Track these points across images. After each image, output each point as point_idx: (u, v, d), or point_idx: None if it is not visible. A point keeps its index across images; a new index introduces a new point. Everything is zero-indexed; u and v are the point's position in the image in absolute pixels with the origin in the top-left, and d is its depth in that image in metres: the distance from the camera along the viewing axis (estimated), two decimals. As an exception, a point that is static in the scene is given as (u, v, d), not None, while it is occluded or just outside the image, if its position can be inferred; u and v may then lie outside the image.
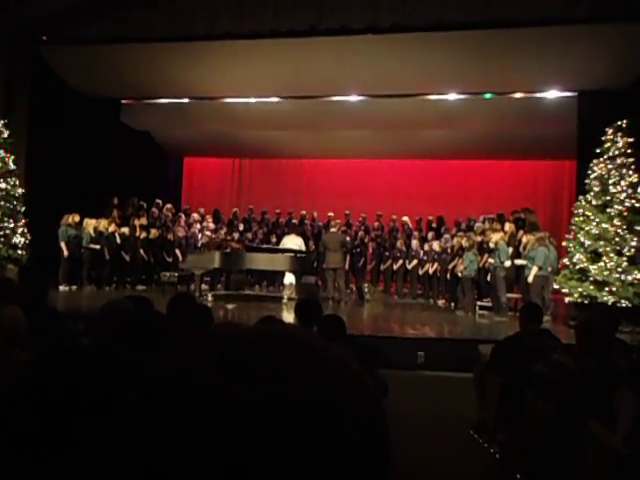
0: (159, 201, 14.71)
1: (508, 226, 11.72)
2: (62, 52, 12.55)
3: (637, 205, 9.86)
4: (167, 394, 0.46)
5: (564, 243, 10.58)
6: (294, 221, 15.12)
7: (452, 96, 13.66)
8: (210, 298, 11.71)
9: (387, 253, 14.22)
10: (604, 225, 9.81)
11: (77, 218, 12.26)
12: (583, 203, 10.34)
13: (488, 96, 13.64)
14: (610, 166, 10.13)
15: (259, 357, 0.47)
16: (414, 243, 13.65)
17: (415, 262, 13.54)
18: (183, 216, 14.61)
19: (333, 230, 12.81)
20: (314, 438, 0.44)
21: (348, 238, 13.32)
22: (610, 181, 10.06)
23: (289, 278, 12.48)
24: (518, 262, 10.98)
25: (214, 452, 0.43)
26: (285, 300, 11.85)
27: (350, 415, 0.46)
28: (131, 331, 2.14)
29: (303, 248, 12.82)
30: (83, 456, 0.95)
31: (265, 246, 12.95)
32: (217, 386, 0.45)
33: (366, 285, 13.96)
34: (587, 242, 9.90)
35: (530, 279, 10.24)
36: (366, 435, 0.47)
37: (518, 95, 13.45)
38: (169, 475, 0.44)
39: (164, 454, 0.44)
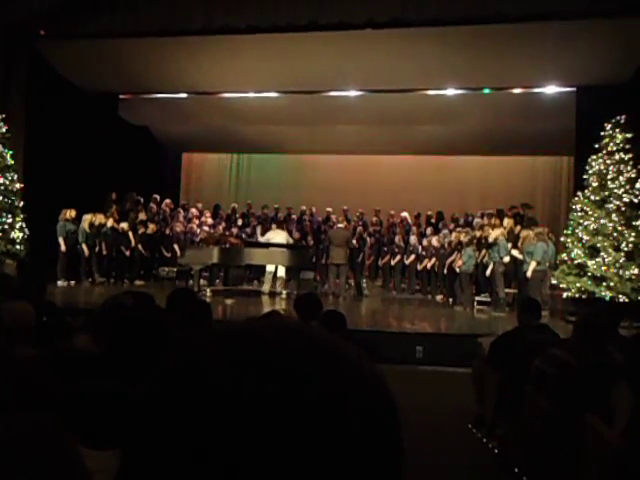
0: (157, 196, 14.69)
1: (507, 221, 11.73)
2: (60, 47, 12.52)
3: (635, 200, 9.88)
4: (179, 391, 0.46)
5: (562, 238, 10.59)
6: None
7: (450, 91, 13.65)
8: (209, 293, 11.71)
9: (385, 248, 14.23)
10: (602, 220, 9.82)
11: (73, 213, 12.23)
12: (581, 198, 10.35)
13: (486, 91, 13.64)
14: (608, 161, 10.13)
15: (273, 353, 0.47)
16: (412, 238, 13.66)
17: (413, 257, 13.55)
18: (181, 211, 14.61)
19: (340, 226, 12.81)
20: (328, 434, 0.44)
21: None
22: (608, 176, 10.06)
23: (274, 270, 12.44)
24: (514, 252, 10.94)
25: (227, 450, 0.43)
26: (284, 295, 11.85)
27: (365, 410, 0.46)
28: (132, 327, 2.14)
29: (290, 241, 12.83)
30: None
31: (263, 241, 12.92)
32: (231, 383, 0.45)
33: (364, 280, 13.97)
34: (585, 237, 9.92)
35: (529, 274, 10.25)
36: (381, 429, 0.47)
37: (516, 90, 13.45)
38: (180, 473, 0.44)
39: (175, 451, 0.44)
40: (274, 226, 13.37)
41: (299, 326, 0.51)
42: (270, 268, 12.49)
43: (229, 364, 0.46)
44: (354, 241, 13.54)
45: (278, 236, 12.66)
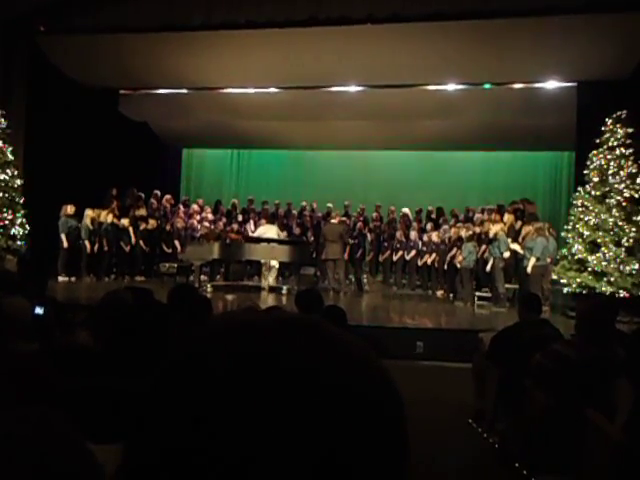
0: (158, 192, 14.69)
1: (507, 217, 11.72)
2: (59, 42, 12.49)
3: (636, 196, 9.88)
4: (183, 385, 0.46)
5: (563, 234, 10.59)
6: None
7: (451, 86, 13.63)
8: (209, 289, 11.71)
9: (386, 244, 14.22)
10: (603, 216, 9.82)
11: (73, 209, 12.23)
12: (582, 194, 10.35)
13: (487, 86, 13.62)
14: (609, 157, 10.13)
15: (277, 345, 0.47)
16: (413, 234, 13.65)
17: (414, 253, 13.54)
18: (182, 207, 14.61)
19: (333, 221, 12.81)
20: (334, 426, 0.44)
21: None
22: (609, 172, 10.06)
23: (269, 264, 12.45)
24: (515, 246, 10.95)
25: (231, 442, 0.43)
26: (284, 291, 11.84)
27: (370, 400, 0.46)
28: (132, 322, 2.14)
29: (282, 236, 12.84)
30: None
31: (264, 237, 12.92)
32: (235, 376, 0.45)
33: (365, 276, 13.97)
34: (586, 233, 9.92)
35: (529, 270, 10.26)
36: (386, 422, 0.47)
37: (517, 85, 13.42)
38: (183, 467, 0.44)
39: (179, 444, 0.44)
40: (263, 221, 13.34)
41: (303, 318, 0.51)
42: (265, 262, 12.52)
43: (234, 357, 0.46)
44: (350, 240, 13.54)
45: (269, 231, 12.65)
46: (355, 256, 13.80)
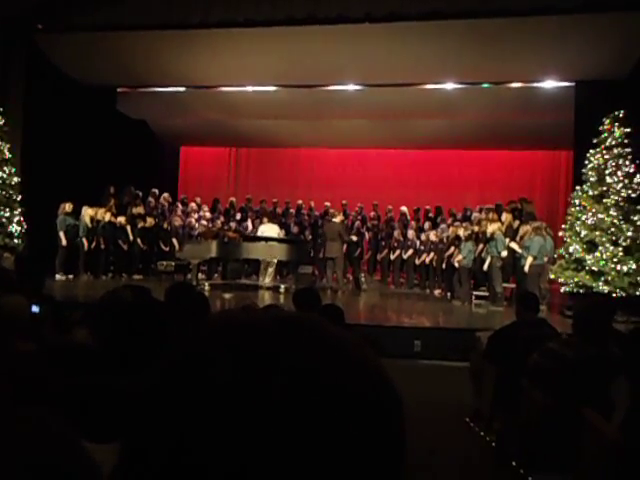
0: (155, 190, 14.67)
1: (505, 216, 11.74)
2: (58, 40, 12.46)
3: (633, 195, 9.88)
4: (181, 384, 0.46)
5: (560, 233, 10.60)
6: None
7: (449, 86, 13.63)
8: (207, 287, 11.71)
9: (383, 243, 14.23)
10: (600, 215, 9.83)
11: (71, 207, 12.21)
12: (580, 193, 10.36)
13: (485, 86, 13.62)
14: (607, 156, 10.13)
15: (275, 344, 0.47)
16: (410, 233, 13.66)
17: (411, 252, 13.55)
18: (180, 205, 14.59)
19: (334, 220, 12.80)
20: (330, 424, 0.44)
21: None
22: (607, 171, 10.07)
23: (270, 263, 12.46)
24: (513, 245, 10.96)
25: (227, 444, 0.43)
26: (282, 289, 11.84)
27: (368, 399, 0.46)
28: (131, 321, 2.14)
29: (282, 235, 12.85)
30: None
31: (262, 235, 12.91)
32: (233, 375, 0.44)
33: (363, 275, 13.97)
34: (583, 232, 9.92)
35: (526, 269, 10.27)
36: (384, 419, 0.47)
37: (515, 85, 13.43)
38: (180, 467, 0.44)
39: (176, 444, 0.44)
40: (265, 220, 13.35)
41: (301, 317, 0.51)
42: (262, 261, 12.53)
43: (233, 356, 0.46)
44: (353, 237, 13.55)
45: (271, 230, 12.65)
46: (353, 255, 13.81)
